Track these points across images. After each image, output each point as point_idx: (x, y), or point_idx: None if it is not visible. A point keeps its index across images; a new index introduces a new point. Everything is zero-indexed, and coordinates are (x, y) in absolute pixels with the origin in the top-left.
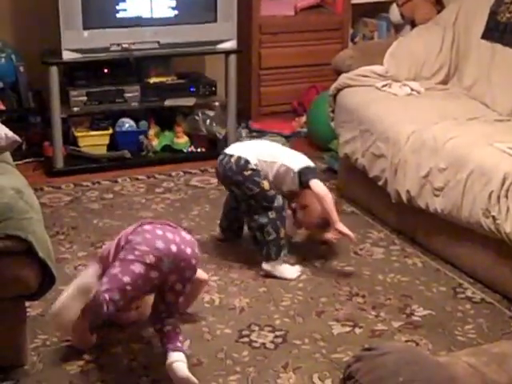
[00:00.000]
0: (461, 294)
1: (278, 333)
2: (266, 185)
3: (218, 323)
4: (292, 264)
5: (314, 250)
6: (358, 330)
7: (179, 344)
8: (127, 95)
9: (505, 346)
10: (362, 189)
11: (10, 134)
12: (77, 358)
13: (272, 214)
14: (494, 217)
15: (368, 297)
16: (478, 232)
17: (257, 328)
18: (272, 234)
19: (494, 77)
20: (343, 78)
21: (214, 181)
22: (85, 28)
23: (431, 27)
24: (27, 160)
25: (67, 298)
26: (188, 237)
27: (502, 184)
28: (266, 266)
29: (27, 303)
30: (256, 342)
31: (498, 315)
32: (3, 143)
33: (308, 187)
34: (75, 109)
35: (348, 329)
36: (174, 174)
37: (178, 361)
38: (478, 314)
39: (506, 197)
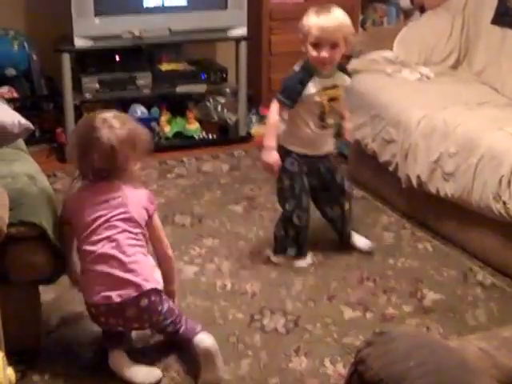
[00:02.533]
0: (471, 278)
1: (289, 317)
2: None
3: (229, 308)
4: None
5: (326, 234)
6: (368, 315)
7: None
8: (139, 82)
9: None
10: (373, 174)
11: (23, 121)
12: (90, 343)
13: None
14: (504, 201)
15: (379, 281)
16: (488, 216)
17: (268, 312)
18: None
19: (504, 62)
20: (353, 64)
21: (226, 167)
22: (96, 15)
23: (441, 12)
24: (40, 146)
25: None
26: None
27: None
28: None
29: (40, 288)
30: (268, 326)
31: (509, 299)
32: (16, 130)
33: None
34: (87, 95)
35: (359, 313)
36: (185, 159)
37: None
38: (488, 298)
39: None
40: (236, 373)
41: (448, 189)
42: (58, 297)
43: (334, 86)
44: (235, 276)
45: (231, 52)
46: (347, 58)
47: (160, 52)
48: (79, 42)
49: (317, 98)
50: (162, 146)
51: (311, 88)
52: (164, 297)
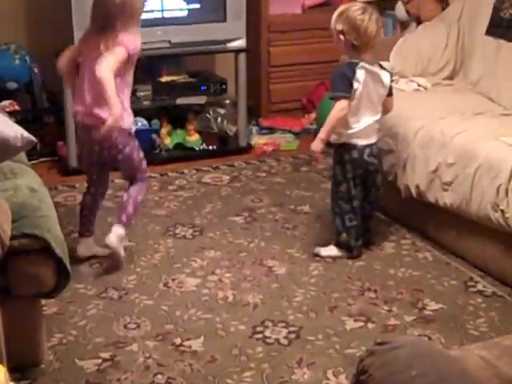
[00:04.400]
0: (472, 288)
1: (291, 328)
2: None
3: (231, 320)
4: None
5: (327, 244)
6: (370, 325)
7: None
8: (139, 94)
9: None
10: None
11: (26, 134)
12: (93, 357)
13: None
14: (502, 210)
15: (380, 291)
16: (487, 225)
17: (270, 324)
18: None
19: (499, 72)
20: None
21: (226, 178)
22: None
23: (436, 24)
24: (42, 159)
25: None
26: None
27: (510, 177)
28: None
29: (43, 301)
30: (270, 338)
31: (510, 308)
32: (19, 143)
33: None
34: None
35: (361, 324)
36: (186, 171)
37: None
38: (489, 307)
39: None
40: None
41: (447, 198)
42: (61, 311)
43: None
44: (237, 288)
45: (231, 63)
46: None
47: (160, 64)
48: None
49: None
50: (163, 158)
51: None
52: None
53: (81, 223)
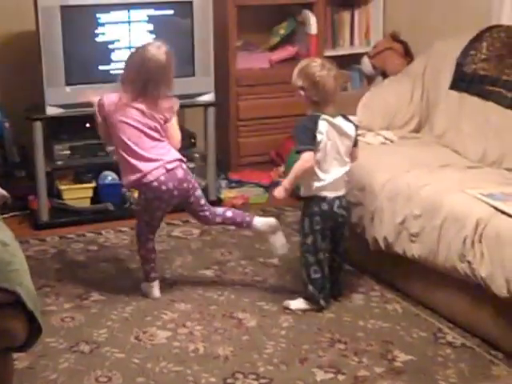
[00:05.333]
0: (441, 339)
1: (262, 381)
2: None
3: (202, 372)
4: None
5: (297, 296)
6: (340, 377)
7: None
8: (109, 149)
9: None
10: None
11: (0, 190)
12: None
13: None
14: (469, 261)
15: (350, 343)
16: (455, 277)
17: (241, 376)
18: None
19: (464, 125)
20: None
21: (196, 231)
22: (67, 84)
23: (402, 78)
24: (12, 214)
25: None
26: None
27: (476, 229)
28: None
29: (14, 356)
30: None
31: (479, 359)
32: None
33: None
34: (59, 162)
35: (331, 375)
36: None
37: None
38: (458, 358)
39: (480, 241)
40: None
41: (414, 250)
42: (32, 365)
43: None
44: (207, 340)
45: (200, 117)
46: None
47: None
48: (51, 111)
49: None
50: (133, 212)
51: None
52: None
53: (152, 268)
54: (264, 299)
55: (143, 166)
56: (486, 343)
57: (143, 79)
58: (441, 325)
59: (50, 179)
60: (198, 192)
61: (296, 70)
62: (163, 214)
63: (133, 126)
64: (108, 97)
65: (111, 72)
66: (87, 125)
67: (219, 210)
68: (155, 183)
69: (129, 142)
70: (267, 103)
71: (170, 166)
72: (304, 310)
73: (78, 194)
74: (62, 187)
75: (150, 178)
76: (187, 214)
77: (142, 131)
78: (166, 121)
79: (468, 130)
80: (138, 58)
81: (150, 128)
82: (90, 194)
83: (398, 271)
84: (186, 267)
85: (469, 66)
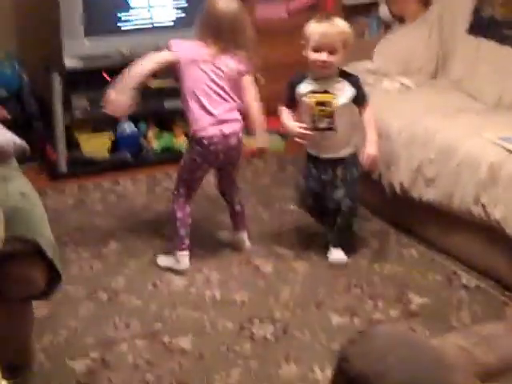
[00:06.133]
0: (456, 282)
1: (278, 325)
2: None
3: (219, 317)
4: None
5: (312, 242)
6: (356, 320)
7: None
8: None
9: (493, 326)
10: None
11: (18, 141)
12: (83, 357)
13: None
14: (483, 204)
15: (365, 287)
16: (470, 220)
17: (257, 321)
18: None
19: (480, 70)
20: None
21: (211, 178)
22: (86, 36)
23: (418, 24)
24: (30, 164)
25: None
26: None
27: (490, 172)
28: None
29: (34, 304)
30: (257, 334)
31: (492, 301)
32: (12, 150)
33: None
34: (77, 114)
35: (346, 319)
36: (173, 173)
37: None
38: (472, 300)
39: (494, 184)
40: (227, 381)
41: (430, 194)
42: (52, 313)
43: (325, 91)
44: (224, 286)
45: None
46: None
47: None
48: (69, 63)
49: (305, 100)
50: (151, 161)
51: (302, 89)
52: None
53: (188, 234)
54: (280, 245)
55: (202, 121)
56: (499, 285)
57: (218, 33)
58: (456, 268)
59: (68, 130)
60: (238, 164)
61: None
62: (203, 175)
63: (208, 80)
64: (182, 50)
65: (131, 22)
66: (106, 76)
67: (236, 199)
68: (205, 141)
69: (199, 94)
70: (286, 52)
71: (226, 131)
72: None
73: (96, 145)
74: (81, 138)
75: (203, 133)
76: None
77: (214, 86)
78: (242, 74)
79: (484, 75)
80: (211, 14)
81: (222, 87)
82: (108, 144)
83: (414, 216)
84: (202, 213)
85: (486, 10)
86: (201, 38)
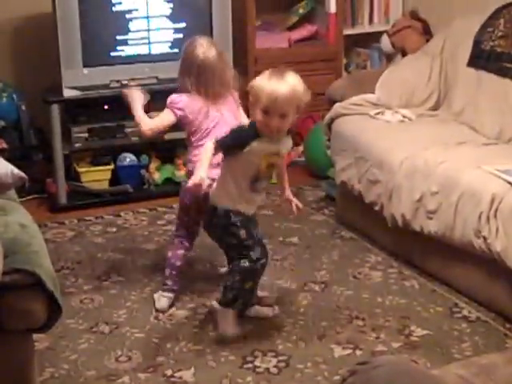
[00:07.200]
0: (457, 314)
1: (280, 357)
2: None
3: (221, 350)
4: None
5: (314, 275)
6: (358, 352)
7: None
8: (128, 130)
9: (493, 357)
10: (360, 214)
11: (16, 170)
12: None
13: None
14: (484, 237)
15: (368, 319)
16: (470, 252)
17: (260, 354)
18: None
19: (481, 102)
20: (337, 107)
21: None
22: (85, 66)
23: (420, 56)
24: (30, 197)
25: None
26: None
27: (491, 205)
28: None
29: (34, 336)
30: (260, 367)
31: (493, 333)
32: (10, 180)
33: None
34: (77, 145)
35: (349, 351)
36: (175, 206)
37: None
38: (473, 332)
39: (495, 217)
40: None
41: (431, 226)
42: (52, 345)
43: (277, 153)
44: None
45: None
46: (331, 101)
47: (148, 100)
48: (68, 93)
49: (256, 160)
50: (152, 193)
51: (255, 147)
52: None
53: (171, 278)
54: (283, 277)
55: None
56: (500, 317)
57: (206, 82)
58: (457, 300)
59: (67, 162)
60: None
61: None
62: (198, 216)
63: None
64: (186, 105)
65: (129, 51)
66: (105, 106)
67: None
68: None
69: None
70: None
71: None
72: None
73: (96, 177)
74: (80, 170)
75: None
76: None
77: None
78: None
79: (485, 107)
80: (191, 61)
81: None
82: (109, 175)
83: (415, 248)
84: (204, 247)
85: (486, 42)
86: (191, 89)
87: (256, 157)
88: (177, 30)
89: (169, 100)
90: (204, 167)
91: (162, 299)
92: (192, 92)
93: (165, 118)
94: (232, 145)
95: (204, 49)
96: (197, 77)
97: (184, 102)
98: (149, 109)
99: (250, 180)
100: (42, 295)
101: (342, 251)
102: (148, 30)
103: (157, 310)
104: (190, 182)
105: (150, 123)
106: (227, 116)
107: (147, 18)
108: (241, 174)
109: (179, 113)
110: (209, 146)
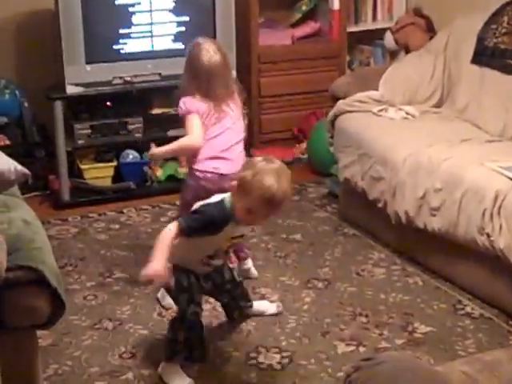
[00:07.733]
0: (460, 311)
1: (284, 354)
2: None
3: (226, 347)
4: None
5: (317, 272)
6: (362, 349)
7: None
8: (130, 127)
9: (497, 353)
10: (363, 211)
11: (19, 167)
12: None
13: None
14: (488, 234)
15: (371, 316)
16: (474, 249)
17: (264, 350)
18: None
19: (485, 99)
20: (341, 104)
21: None
22: (87, 63)
23: (423, 53)
24: (33, 194)
25: None
26: None
27: (495, 202)
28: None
29: (38, 333)
30: (263, 363)
31: (497, 329)
32: (13, 177)
33: None
34: (80, 142)
35: (352, 348)
36: (178, 202)
37: None
38: (477, 329)
39: (499, 214)
40: None
41: (435, 223)
42: (56, 342)
43: (242, 235)
44: None
45: None
46: (334, 98)
47: (151, 97)
48: (71, 90)
49: (221, 242)
50: (155, 190)
51: (225, 231)
52: None
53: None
54: (286, 274)
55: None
56: (504, 314)
57: (210, 87)
58: (460, 297)
59: (70, 159)
60: None
61: None
62: None
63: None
64: (198, 107)
65: (131, 48)
66: (108, 103)
67: None
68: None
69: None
70: (289, 80)
71: (224, 170)
72: None
73: (99, 173)
74: (83, 166)
75: (197, 166)
76: None
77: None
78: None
79: (489, 105)
80: (197, 67)
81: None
82: (111, 172)
83: (419, 245)
84: None
85: (490, 39)
86: (196, 92)
87: (222, 239)
88: (180, 24)
89: (183, 107)
90: (161, 257)
91: (167, 296)
92: (197, 95)
93: (195, 122)
94: (203, 232)
95: (210, 54)
96: (202, 82)
97: (196, 105)
98: (152, 106)
99: (206, 256)
100: (45, 292)
101: (346, 248)
102: (151, 24)
103: (163, 307)
104: (150, 272)
105: (194, 137)
106: (231, 118)
107: (150, 11)
108: (199, 251)
109: (197, 113)
110: (169, 233)
